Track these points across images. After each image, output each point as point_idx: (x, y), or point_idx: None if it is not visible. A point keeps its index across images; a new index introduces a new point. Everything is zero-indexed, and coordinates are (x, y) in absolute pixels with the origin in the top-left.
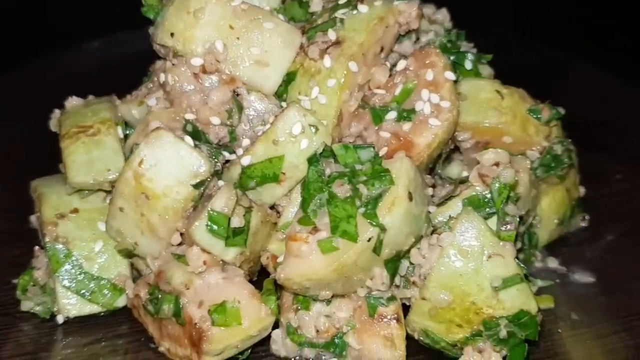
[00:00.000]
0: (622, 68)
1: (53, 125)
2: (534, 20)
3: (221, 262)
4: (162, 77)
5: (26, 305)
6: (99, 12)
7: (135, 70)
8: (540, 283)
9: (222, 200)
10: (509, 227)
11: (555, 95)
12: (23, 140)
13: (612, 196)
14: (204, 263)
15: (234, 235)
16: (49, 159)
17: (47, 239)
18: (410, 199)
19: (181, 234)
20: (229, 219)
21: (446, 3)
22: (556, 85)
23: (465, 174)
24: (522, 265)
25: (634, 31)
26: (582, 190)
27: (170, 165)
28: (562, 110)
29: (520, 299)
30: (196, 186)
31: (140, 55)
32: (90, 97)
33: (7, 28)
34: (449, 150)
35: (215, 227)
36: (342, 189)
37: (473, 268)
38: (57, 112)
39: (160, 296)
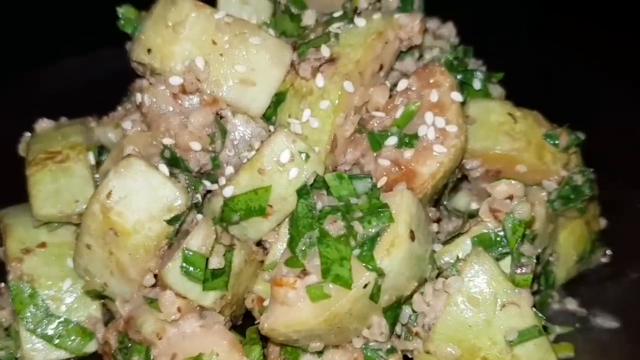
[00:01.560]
0: None
1: (22, 150)
2: (548, 38)
3: (198, 307)
4: (139, 97)
5: None
6: (81, 28)
7: (119, 89)
8: (558, 330)
9: (199, 239)
10: (524, 269)
11: (569, 118)
12: None
13: (635, 228)
14: (178, 310)
15: (213, 278)
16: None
17: (10, 277)
18: (412, 238)
19: (155, 275)
20: (207, 259)
21: (452, 17)
22: (572, 108)
23: (474, 205)
24: (540, 314)
25: None
26: (602, 223)
27: (142, 197)
28: (582, 136)
29: (538, 354)
30: (170, 222)
31: (126, 73)
32: (63, 119)
33: None
34: (455, 179)
35: (191, 269)
36: (335, 226)
37: (484, 318)
38: (27, 135)
39: (129, 345)
